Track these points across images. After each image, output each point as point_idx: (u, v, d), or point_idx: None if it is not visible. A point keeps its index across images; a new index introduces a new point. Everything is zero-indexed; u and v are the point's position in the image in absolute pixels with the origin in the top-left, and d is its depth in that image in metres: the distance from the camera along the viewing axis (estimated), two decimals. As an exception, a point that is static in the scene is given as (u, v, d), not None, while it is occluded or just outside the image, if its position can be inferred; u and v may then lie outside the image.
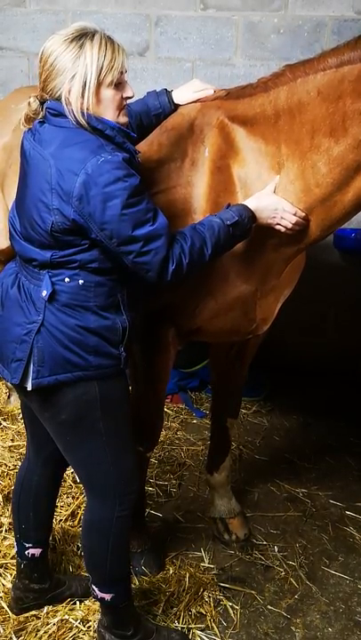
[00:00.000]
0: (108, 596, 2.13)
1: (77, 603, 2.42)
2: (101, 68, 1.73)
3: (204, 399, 3.97)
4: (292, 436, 3.66)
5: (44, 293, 1.81)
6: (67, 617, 2.35)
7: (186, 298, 2.20)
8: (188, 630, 2.37)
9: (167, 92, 2.22)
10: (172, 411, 3.83)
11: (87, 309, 1.83)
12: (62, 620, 2.34)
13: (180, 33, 3.73)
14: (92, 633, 2.31)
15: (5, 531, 2.73)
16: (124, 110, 1.85)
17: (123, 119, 1.84)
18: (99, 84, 1.74)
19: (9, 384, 3.55)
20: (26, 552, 2.31)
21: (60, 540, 2.70)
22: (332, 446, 3.55)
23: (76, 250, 1.79)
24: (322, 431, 3.70)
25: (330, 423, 3.76)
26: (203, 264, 1.88)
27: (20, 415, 3.03)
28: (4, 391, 3.82)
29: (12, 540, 2.58)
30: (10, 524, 2.70)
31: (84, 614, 2.37)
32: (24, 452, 2.75)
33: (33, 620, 2.35)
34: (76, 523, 2.81)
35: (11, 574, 2.52)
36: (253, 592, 2.57)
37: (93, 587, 2.15)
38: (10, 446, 3.29)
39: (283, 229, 2.02)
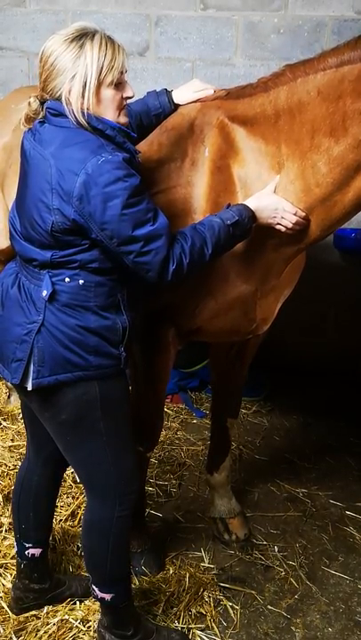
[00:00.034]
0: (108, 596, 2.13)
1: (77, 603, 2.42)
2: (102, 67, 1.73)
3: (204, 399, 3.97)
4: (292, 436, 3.66)
5: (45, 293, 1.81)
6: (67, 617, 2.35)
7: (186, 298, 2.20)
8: (188, 630, 2.37)
9: (167, 92, 2.22)
10: (172, 411, 3.83)
11: (87, 309, 1.83)
12: (62, 620, 2.34)
13: (180, 33, 3.73)
14: (92, 633, 2.31)
15: (5, 531, 2.73)
16: (125, 110, 1.85)
17: (123, 119, 1.84)
18: (99, 84, 1.74)
19: (9, 384, 3.56)
20: (26, 552, 2.31)
21: (60, 540, 2.70)
22: (333, 446, 3.55)
23: (76, 250, 1.79)
24: (322, 431, 3.70)
25: (330, 423, 3.76)
26: (203, 264, 1.88)
27: (20, 415, 3.03)
28: (4, 391, 3.82)
29: (11, 539, 2.58)
30: (10, 523, 2.70)
31: (84, 614, 2.37)
32: (24, 452, 2.75)
33: (33, 620, 2.35)
34: (76, 523, 2.81)
35: (11, 574, 2.52)
36: (253, 592, 2.57)
37: (93, 587, 2.15)
38: (10, 446, 3.29)
39: (283, 229, 2.02)
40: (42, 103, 1.82)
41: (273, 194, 2.02)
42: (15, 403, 3.61)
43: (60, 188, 1.72)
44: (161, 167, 2.19)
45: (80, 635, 2.31)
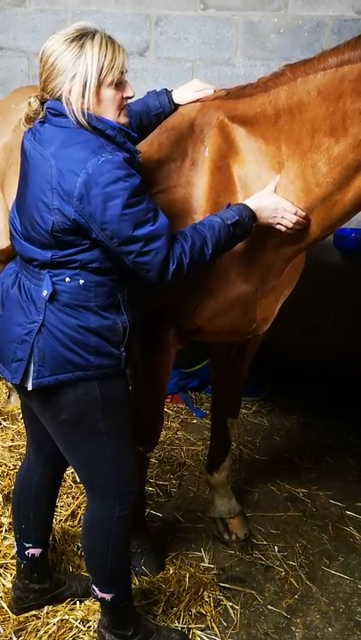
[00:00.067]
0: (108, 596, 2.13)
1: (77, 603, 2.42)
2: (102, 67, 1.73)
3: (204, 399, 3.97)
4: (292, 436, 3.66)
5: (45, 293, 1.81)
6: (67, 617, 2.35)
7: (186, 298, 2.20)
8: (188, 630, 2.37)
9: (167, 92, 2.22)
10: (172, 411, 3.83)
11: (88, 309, 1.83)
12: (62, 620, 2.34)
13: (180, 33, 3.73)
14: (92, 633, 2.31)
15: (5, 531, 2.73)
16: (125, 110, 1.85)
17: (123, 119, 1.84)
18: (99, 84, 1.74)
19: (9, 384, 3.56)
20: (26, 552, 2.31)
21: (60, 540, 2.70)
22: (333, 446, 3.55)
23: (76, 250, 1.79)
24: (322, 431, 3.70)
25: (330, 423, 3.75)
26: (203, 264, 1.88)
27: (20, 415, 3.03)
28: (4, 391, 3.82)
29: (11, 539, 2.58)
30: (10, 523, 2.70)
31: (84, 614, 2.37)
32: (24, 451, 2.75)
33: (33, 620, 2.35)
34: (76, 523, 2.81)
35: (11, 574, 2.52)
36: (253, 592, 2.57)
37: (94, 587, 2.15)
38: (10, 446, 3.29)
39: (283, 229, 2.02)
40: (42, 103, 1.82)
41: (273, 193, 2.02)
42: (15, 403, 3.61)
43: (61, 188, 1.72)
44: (161, 167, 2.18)
45: (80, 635, 2.31)
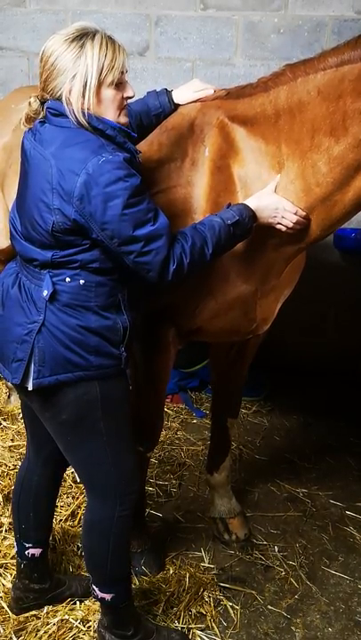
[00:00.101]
0: (108, 596, 2.13)
1: (77, 603, 2.42)
2: (102, 67, 1.73)
3: (204, 399, 3.97)
4: (292, 436, 3.66)
5: (45, 293, 1.81)
6: (67, 617, 2.35)
7: (186, 298, 2.20)
8: (189, 630, 2.37)
9: (167, 92, 2.22)
10: (172, 411, 3.83)
11: (88, 309, 1.83)
12: (62, 620, 2.34)
13: (180, 33, 3.73)
14: (92, 633, 2.31)
15: (5, 531, 2.73)
16: (125, 110, 1.85)
17: (123, 119, 1.84)
18: (99, 84, 1.74)
19: (9, 384, 3.56)
20: (26, 552, 2.31)
21: (60, 539, 2.70)
22: (333, 446, 3.55)
23: (76, 250, 1.79)
24: (322, 431, 3.70)
25: (330, 423, 3.75)
26: (204, 264, 1.88)
27: (20, 415, 3.03)
28: (4, 391, 3.82)
29: (11, 539, 2.58)
30: (10, 523, 2.70)
31: (84, 614, 2.37)
32: (24, 451, 2.75)
33: (33, 620, 2.35)
34: (76, 523, 2.81)
35: (11, 574, 2.52)
36: (253, 592, 2.57)
37: (94, 587, 2.15)
38: (10, 446, 3.29)
39: (283, 229, 2.02)
40: (42, 103, 1.82)
41: (273, 193, 2.02)
42: (15, 403, 3.61)
43: (61, 188, 1.72)
44: (161, 167, 2.18)
45: (80, 635, 2.31)
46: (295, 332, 3.93)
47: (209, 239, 1.85)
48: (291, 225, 2.00)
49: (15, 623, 2.33)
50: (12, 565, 2.54)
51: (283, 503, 3.10)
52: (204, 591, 2.53)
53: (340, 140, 1.90)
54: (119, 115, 1.82)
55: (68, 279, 1.81)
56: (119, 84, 1.79)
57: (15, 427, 3.46)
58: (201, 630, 2.38)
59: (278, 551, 2.79)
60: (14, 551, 2.43)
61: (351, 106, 1.87)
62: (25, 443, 2.58)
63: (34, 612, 2.37)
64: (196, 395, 4.02)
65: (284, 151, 2.03)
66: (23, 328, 1.85)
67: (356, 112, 1.86)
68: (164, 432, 3.45)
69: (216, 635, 2.37)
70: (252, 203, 1.98)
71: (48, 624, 2.33)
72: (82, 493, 2.93)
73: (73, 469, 2.14)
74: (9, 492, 2.87)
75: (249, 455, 3.46)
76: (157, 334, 2.29)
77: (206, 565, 2.68)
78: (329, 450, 3.52)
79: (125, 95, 1.82)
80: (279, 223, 2.01)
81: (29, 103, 1.83)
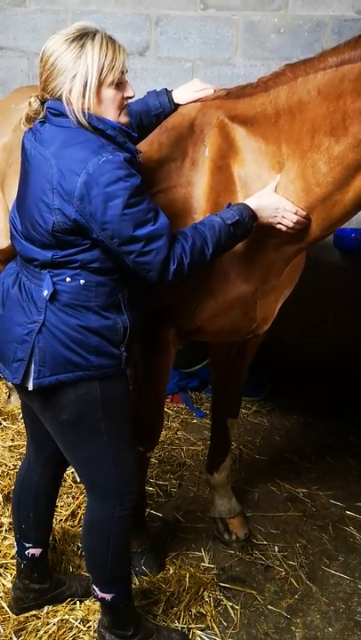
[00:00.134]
0: (108, 596, 2.13)
1: (77, 603, 2.42)
2: (102, 67, 1.73)
3: (205, 399, 3.97)
4: (292, 436, 3.66)
5: (46, 293, 1.81)
6: (67, 617, 2.35)
7: (186, 298, 2.20)
8: (189, 630, 2.37)
9: (167, 92, 2.22)
10: (172, 411, 3.83)
11: (88, 309, 1.83)
12: (62, 620, 2.34)
13: (180, 33, 3.73)
14: (92, 633, 2.31)
15: (5, 531, 2.73)
16: (125, 110, 1.85)
17: (124, 119, 1.84)
18: (100, 84, 1.74)
19: (9, 384, 3.56)
20: (26, 552, 2.31)
21: (60, 539, 2.70)
22: (333, 446, 3.55)
23: (77, 250, 1.79)
24: (322, 431, 3.70)
25: (330, 423, 3.75)
26: (204, 263, 1.88)
27: (20, 415, 3.03)
28: (5, 391, 3.82)
29: (12, 539, 2.58)
30: (10, 523, 2.70)
31: (85, 614, 2.37)
32: (24, 451, 2.75)
33: (33, 620, 2.35)
34: (76, 523, 2.81)
35: (11, 574, 2.52)
36: (254, 592, 2.57)
37: (94, 587, 2.15)
38: (10, 446, 3.29)
39: (284, 228, 2.02)
40: (42, 103, 1.82)
41: (274, 193, 2.02)
42: (15, 402, 3.61)
43: (61, 188, 1.72)
44: (161, 167, 2.18)
45: (80, 635, 2.31)
46: (295, 332, 3.93)
47: (209, 239, 1.85)
48: (291, 225, 2.00)
49: (15, 623, 2.33)
50: (12, 565, 2.54)
51: (283, 503, 3.10)
52: (204, 591, 2.53)
53: (341, 140, 1.90)
54: (119, 115, 1.82)
55: (68, 279, 1.81)
56: (119, 84, 1.79)
57: (15, 427, 3.46)
58: (201, 630, 2.38)
59: (278, 551, 2.79)
60: (14, 551, 2.43)
61: (351, 105, 1.87)
62: (25, 443, 2.58)
63: (34, 612, 2.37)
64: (196, 395, 4.02)
65: (285, 151, 2.03)
66: (23, 328, 1.85)
67: (356, 112, 1.86)
68: (164, 432, 3.45)
69: (216, 635, 2.37)
70: (252, 202, 1.98)
71: (48, 624, 2.33)
72: (82, 493, 2.93)
73: (73, 469, 2.14)
74: (9, 492, 2.87)
75: (249, 455, 3.46)
76: (157, 334, 2.29)
77: (206, 565, 2.68)
78: (329, 450, 3.52)
79: (126, 95, 1.82)
80: (279, 223, 2.01)
81: (30, 103, 1.83)
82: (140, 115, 2.16)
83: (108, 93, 1.77)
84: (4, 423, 3.51)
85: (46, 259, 1.81)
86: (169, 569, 2.64)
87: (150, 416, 2.47)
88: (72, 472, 2.96)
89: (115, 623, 2.20)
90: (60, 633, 2.30)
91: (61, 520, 2.79)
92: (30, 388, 1.86)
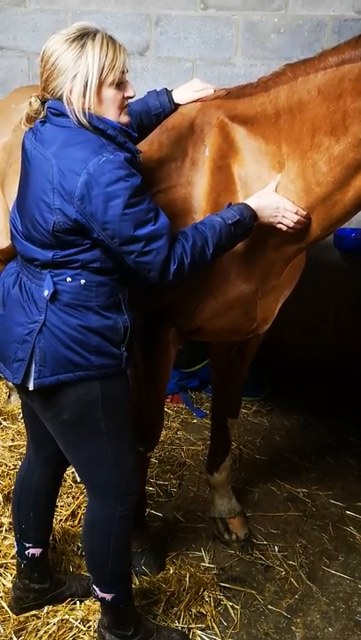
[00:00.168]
0: (108, 596, 2.13)
1: (78, 602, 2.42)
2: (103, 67, 1.73)
3: (205, 399, 3.97)
4: (292, 436, 3.66)
5: (46, 293, 1.81)
6: (67, 617, 2.35)
7: (186, 297, 2.20)
8: (189, 630, 2.37)
9: (167, 92, 2.22)
10: (172, 410, 3.83)
11: (89, 309, 1.83)
12: (62, 620, 2.34)
13: (181, 32, 3.73)
14: (92, 633, 2.31)
15: (5, 530, 2.73)
16: (126, 110, 1.85)
17: (124, 119, 1.84)
18: (100, 84, 1.74)
19: (10, 383, 3.56)
20: (26, 552, 2.31)
21: (61, 539, 2.69)
22: (333, 446, 3.55)
23: (77, 249, 1.79)
24: (322, 431, 3.70)
25: (330, 423, 3.75)
26: (204, 263, 1.88)
27: (21, 415, 3.03)
28: (5, 391, 3.82)
29: (12, 539, 2.58)
30: (10, 523, 2.70)
31: (85, 614, 2.37)
32: (24, 451, 2.75)
33: (33, 620, 2.35)
34: (76, 522, 2.81)
35: (11, 574, 2.52)
36: (254, 592, 2.57)
37: (94, 586, 2.15)
38: (10, 446, 3.28)
39: (284, 228, 2.02)
40: (43, 103, 1.82)
41: (274, 193, 2.02)
42: (15, 402, 3.61)
43: (62, 188, 1.72)
44: (161, 167, 2.18)
45: (80, 635, 2.31)
46: (295, 332, 3.93)
47: (210, 239, 1.85)
48: (291, 224, 2.00)
49: (15, 623, 2.33)
50: (13, 565, 2.54)
51: (283, 503, 3.10)
52: (204, 591, 2.53)
53: (341, 140, 1.90)
54: (120, 114, 1.82)
55: (68, 279, 1.81)
56: (120, 84, 1.79)
57: (15, 426, 3.46)
58: (201, 630, 2.38)
59: (278, 551, 2.79)
60: (14, 551, 2.43)
61: (351, 105, 1.87)
62: (25, 442, 2.58)
63: (34, 612, 2.37)
64: (196, 394, 4.02)
65: (285, 151, 2.02)
66: (24, 328, 1.85)
67: (356, 111, 1.86)
68: (164, 432, 3.45)
69: (216, 634, 2.37)
70: (252, 202, 1.98)
71: (48, 624, 2.32)
72: (82, 493, 2.93)
73: (73, 469, 2.14)
74: (9, 492, 2.87)
75: (249, 455, 3.46)
76: (158, 334, 2.29)
77: (206, 565, 2.68)
78: (329, 450, 3.52)
79: (126, 95, 1.82)
80: (280, 223, 2.01)
81: (30, 103, 1.83)
82: (141, 114, 2.16)
83: (109, 93, 1.77)
84: (4, 423, 3.51)
85: (47, 258, 1.81)
86: (169, 569, 2.64)
87: (150, 416, 2.47)
88: (72, 472, 2.96)
89: (115, 623, 2.20)
90: (60, 633, 2.30)
91: (61, 520, 2.79)
92: (31, 387, 1.86)
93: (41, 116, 1.82)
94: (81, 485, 2.93)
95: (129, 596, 2.19)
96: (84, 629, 2.32)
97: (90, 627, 2.33)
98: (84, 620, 2.35)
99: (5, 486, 2.96)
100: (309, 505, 3.10)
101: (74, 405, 1.89)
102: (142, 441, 2.46)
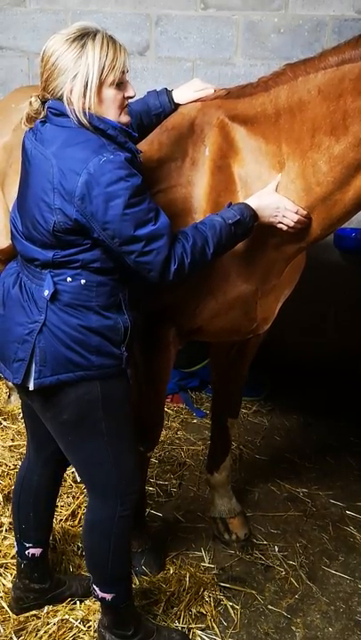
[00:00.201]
0: (108, 596, 2.13)
1: (78, 602, 2.42)
2: (103, 67, 1.72)
3: (205, 399, 3.97)
4: (292, 436, 3.66)
5: (46, 293, 1.81)
6: (67, 617, 2.35)
7: (186, 297, 2.20)
8: (189, 630, 2.37)
9: (167, 92, 2.22)
10: (172, 410, 3.83)
11: (89, 309, 1.83)
12: (62, 620, 2.34)
13: (181, 32, 3.73)
14: (92, 633, 2.30)
15: (5, 530, 2.73)
16: (126, 110, 1.85)
17: (124, 119, 1.84)
18: (100, 84, 1.74)
19: (10, 383, 3.56)
20: (26, 552, 2.31)
21: (61, 539, 2.69)
22: (333, 446, 3.55)
23: (78, 249, 1.79)
24: (322, 431, 3.70)
25: (330, 423, 3.76)
26: (205, 263, 1.88)
27: (21, 415, 3.03)
28: (5, 391, 3.82)
29: (12, 539, 2.58)
30: (10, 523, 2.70)
31: (85, 614, 2.37)
32: (24, 451, 2.75)
33: (33, 620, 2.35)
34: (76, 522, 2.81)
35: (11, 574, 2.52)
36: (254, 592, 2.57)
37: (94, 586, 2.15)
38: (10, 446, 3.28)
39: (284, 228, 2.02)
40: (43, 103, 1.82)
41: (274, 193, 2.02)
42: (15, 402, 3.61)
43: (62, 188, 1.72)
44: (161, 166, 2.18)
45: (80, 635, 2.30)
46: (295, 332, 3.93)
47: (210, 239, 1.85)
48: (292, 224, 2.00)
49: (15, 623, 2.33)
50: (13, 565, 2.54)
51: (283, 503, 3.10)
52: (204, 591, 2.53)
53: (341, 139, 1.90)
54: (120, 114, 1.82)
55: (69, 279, 1.81)
56: (120, 84, 1.79)
57: (15, 426, 3.46)
58: (201, 630, 2.38)
59: (278, 551, 2.79)
60: (14, 551, 2.43)
61: (352, 105, 1.87)
62: (25, 442, 2.58)
63: (34, 612, 2.37)
64: (196, 394, 4.02)
65: (285, 150, 2.02)
66: (24, 328, 1.85)
67: (356, 111, 1.86)
68: (164, 432, 3.45)
69: (216, 634, 2.36)
70: (253, 202, 1.98)
71: (48, 624, 2.32)
72: (82, 493, 2.93)
73: (73, 469, 2.14)
74: (9, 492, 2.87)
75: (249, 455, 3.46)
76: (158, 334, 2.29)
77: (206, 565, 2.68)
78: (329, 450, 3.52)
79: (126, 95, 1.82)
80: (280, 222, 2.01)
81: (30, 103, 1.83)
82: (141, 114, 2.16)
83: (109, 93, 1.77)
84: (4, 423, 3.50)
85: (47, 258, 1.81)
86: (169, 569, 2.64)
87: (151, 416, 2.47)
88: (72, 472, 2.96)
89: (115, 623, 2.20)
90: (60, 633, 2.30)
91: (61, 520, 2.79)
92: (31, 387, 1.86)
93: (41, 115, 1.82)
94: (81, 485, 2.93)
95: (129, 595, 2.19)
96: (84, 629, 2.32)
97: (90, 627, 2.33)
98: (84, 620, 2.35)
99: (5, 486, 2.95)
100: (309, 505, 3.10)
101: (74, 405, 1.89)
102: (142, 441, 2.46)
